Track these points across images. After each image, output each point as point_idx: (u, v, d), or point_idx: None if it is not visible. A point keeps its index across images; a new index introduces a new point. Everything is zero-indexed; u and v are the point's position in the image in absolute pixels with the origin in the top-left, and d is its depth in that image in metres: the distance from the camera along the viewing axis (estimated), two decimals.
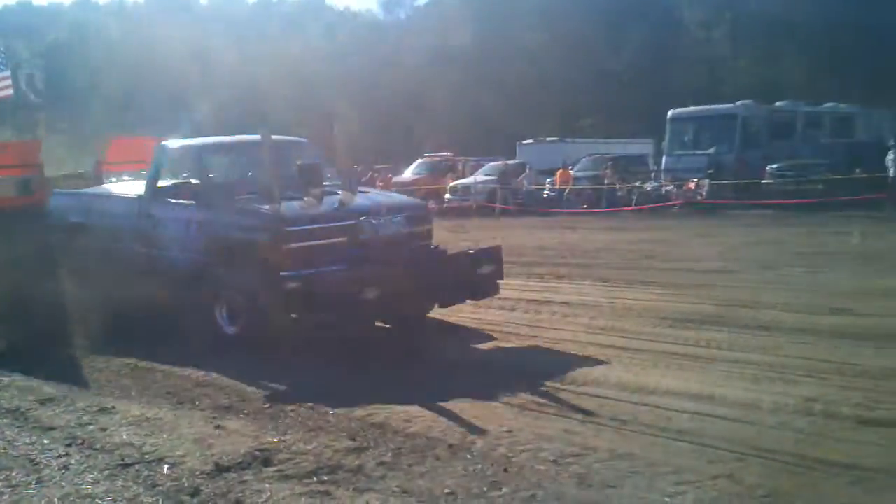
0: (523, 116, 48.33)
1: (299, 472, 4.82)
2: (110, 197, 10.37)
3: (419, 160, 34.98)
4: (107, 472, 4.97)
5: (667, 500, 4.30)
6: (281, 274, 7.71)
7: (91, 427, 5.88)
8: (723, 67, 48.98)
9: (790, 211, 21.78)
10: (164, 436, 5.61)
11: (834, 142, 27.42)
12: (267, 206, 8.15)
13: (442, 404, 6.04)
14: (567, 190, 28.05)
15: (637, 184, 27.51)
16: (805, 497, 4.30)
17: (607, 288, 11.18)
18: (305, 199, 8.42)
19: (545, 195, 28.83)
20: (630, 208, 25.69)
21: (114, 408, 6.32)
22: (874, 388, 6.07)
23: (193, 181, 9.43)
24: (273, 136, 8.66)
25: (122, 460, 5.16)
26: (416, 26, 64.64)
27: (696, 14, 48.82)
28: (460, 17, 59.22)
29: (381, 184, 28.44)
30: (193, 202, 8.89)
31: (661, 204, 25.43)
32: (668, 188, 26.68)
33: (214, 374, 7.23)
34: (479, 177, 30.72)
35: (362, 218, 8.31)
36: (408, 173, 33.31)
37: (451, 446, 5.16)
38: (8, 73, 17.96)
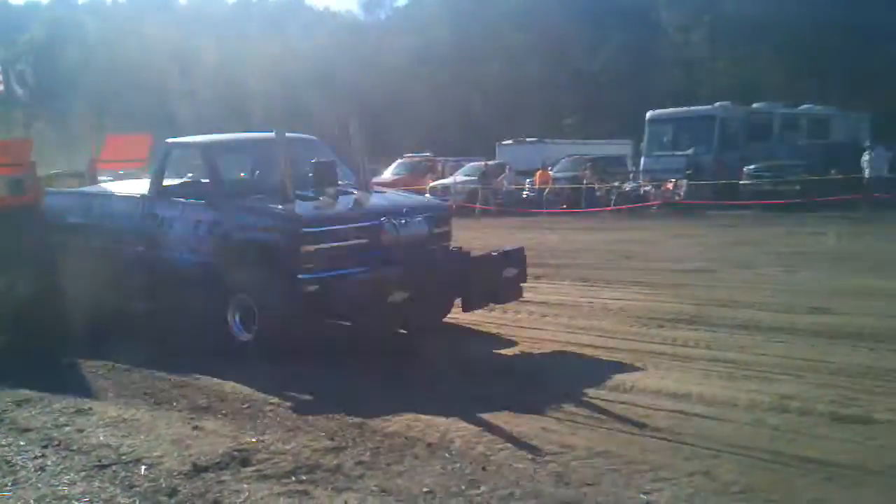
0: (503, 117, 48.45)
1: (277, 472, 4.81)
2: (111, 196, 9.97)
3: (399, 160, 34.92)
4: (83, 474, 4.94)
5: (643, 496, 4.33)
6: (298, 277, 7.45)
7: (68, 428, 5.84)
8: (701, 69, 49.22)
9: (768, 211, 21.99)
10: (142, 436, 5.58)
11: (810, 143, 27.65)
12: (282, 206, 7.88)
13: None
14: (546, 190, 28.12)
15: (616, 184, 27.61)
16: (780, 493, 4.34)
17: (586, 288, 11.23)
18: (321, 198, 8.19)
19: (525, 196, 28.89)
20: (609, 209, 25.78)
21: (91, 409, 6.27)
22: (849, 386, 6.14)
23: (203, 180, 8.99)
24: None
25: (99, 461, 5.13)
26: (395, 27, 64.60)
27: (675, 16, 49.03)
28: (440, 18, 59.32)
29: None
30: (203, 201, 8.53)
31: (640, 204, 25.56)
32: (646, 189, 26.81)
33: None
34: (458, 177, 30.72)
35: (383, 219, 7.98)
36: (387, 174, 33.22)
37: (429, 445, 5.17)
38: None
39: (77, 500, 4.59)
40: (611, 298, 10.24)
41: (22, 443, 5.59)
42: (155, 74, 58.22)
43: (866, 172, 23.33)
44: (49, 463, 5.16)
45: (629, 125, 36.54)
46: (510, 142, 36.35)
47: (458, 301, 8.29)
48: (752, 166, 25.43)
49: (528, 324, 8.88)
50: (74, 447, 5.43)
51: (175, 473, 4.86)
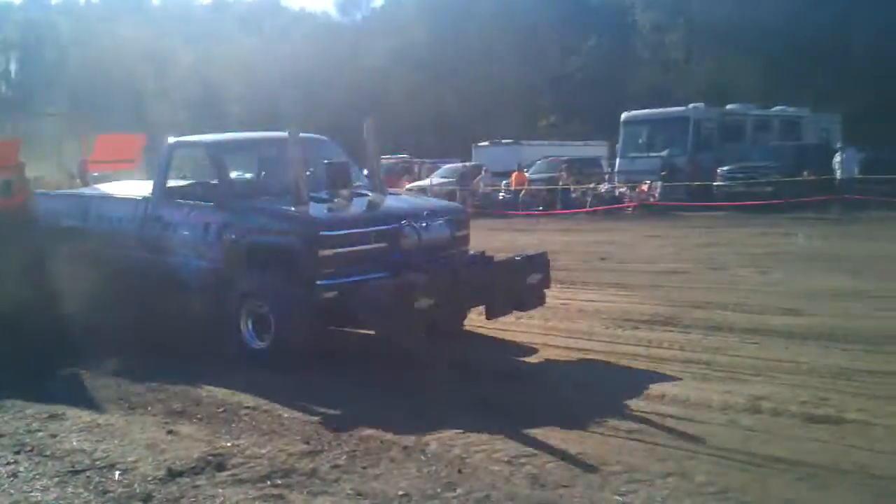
0: (479, 118, 48.50)
1: (253, 476, 4.80)
2: (110, 198, 9.56)
3: None
4: (57, 479, 4.91)
5: (618, 498, 4.36)
6: (317, 283, 7.16)
7: (41, 434, 5.79)
8: (675, 71, 49.57)
9: (741, 212, 22.16)
10: (116, 441, 5.54)
11: (783, 144, 27.89)
12: (297, 209, 7.58)
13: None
14: (523, 192, 28.19)
15: (591, 186, 27.75)
16: (753, 493, 4.38)
17: (562, 289, 11.23)
18: (336, 200, 7.95)
19: (501, 197, 28.95)
20: (585, 210, 25.91)
21: (64, 414, 6.21)
22: (821, 387, 6.22)
23: (211, 181, 8.54)
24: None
25: (73, 467, 5.09)
26: (372, 28, 64.48)
27: (650, 18, 49.33)
28: (417, 20, 59.31)
29: None
30: (211, 204, 8.12)
31: (616, 206, 25.73)
32: (621, 190, 27.00)
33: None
34: (435, 179, 30.72)
35: (403, 222, 7.66)
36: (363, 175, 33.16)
37: (405, 448, 5.18)
38: None
39: None
40: (586, 300, 10.29)
41: None
42: (129, 75, 57.85)
43: (838, 173, 23.60)
44: (22, 469, 5.11)
45: (605, 127, 36.67)
46: (486, 143, 36.36)
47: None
48: (725, 168, 25.64)
49: (504, 325, 8.84)
50: (48, 453, 5.38)
51: (149, 479, 4.83)
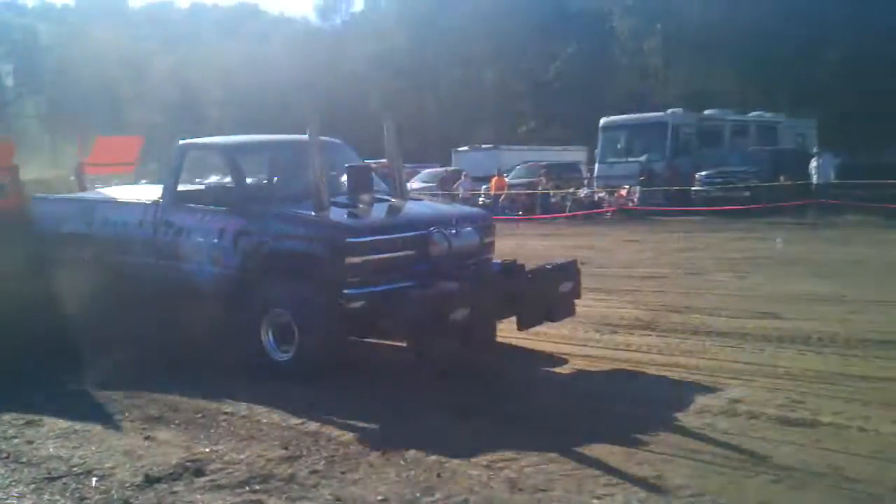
0: (459, 123, 48.62)
1: (231, 482, 4.78)
2: (115, 203, 9.15)
3: None
4: (33, 486, 4.87)
5: (595, 501, 4.38)
6: (343, 292, 6.84)
7: (17, 440, 5.74)
8: (654, 76, 49.87)
9: (719, 217, 22.33)
10: (93, 448, 5.51)
11: (760, 149, 28.13)
12: (318, 214, 7.23)
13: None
14: (502, 197, 28.25)
15: (571, 191, 27.89)
16: (730, 495, 4.41)
17: None
18: (358, 205, 7.69)
19: (480, 202, 28.98)
20: (564, 215, 26.03)
21: (41, 420, 6.15)
22: (796, 390, 6.27)
23: (227, 184, 8.24)
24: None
25: (49, 473, 5.05)
26: (352, 33, 64.44)
27: (628, 24, 49.59)
28: (397, 25, 59.35)
29: None
30: (225, 208, 7.77)
31: (594, 211, 25.86)
32: (600, 195, 27.16)
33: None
34: (415, 184, 30.71)
35: (432, 228, 7.37)
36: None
37: (383, 453, 5.18)
38: None
39: None
40: None
41: None
42: (107, 79, 57.53)
43: (814, 178, 23.82)
44: None
45: (584, 132, 36.87)
46: (466, 148, 36.44)
47: None
48: (703, 173, 25.81)
49: None
50: (24, 459, 5.34)
51: (127, 485, 4.80)
